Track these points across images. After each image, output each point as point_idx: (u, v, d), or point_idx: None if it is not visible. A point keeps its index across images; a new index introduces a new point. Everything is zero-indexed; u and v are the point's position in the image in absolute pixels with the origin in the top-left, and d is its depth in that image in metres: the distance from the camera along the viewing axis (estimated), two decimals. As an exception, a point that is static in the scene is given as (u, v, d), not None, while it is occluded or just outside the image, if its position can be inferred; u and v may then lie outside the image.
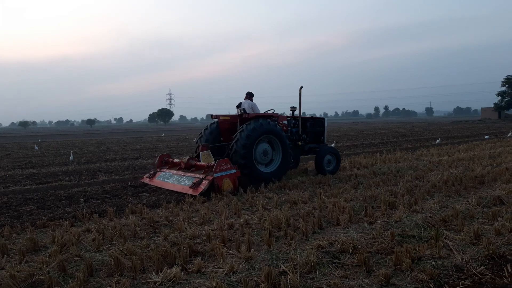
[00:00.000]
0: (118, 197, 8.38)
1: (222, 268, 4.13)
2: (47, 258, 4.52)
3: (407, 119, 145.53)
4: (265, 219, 5.80)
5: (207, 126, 10.49)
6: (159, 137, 37.48)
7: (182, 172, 9.03)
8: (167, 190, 8.78)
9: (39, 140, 37.12)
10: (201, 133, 10.37)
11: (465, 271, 3.92)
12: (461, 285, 3.63)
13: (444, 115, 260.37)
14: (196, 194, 7.82)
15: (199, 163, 9.02)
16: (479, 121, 72.37)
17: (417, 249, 4.48)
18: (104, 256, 4.62)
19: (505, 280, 3.69)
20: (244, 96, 10.80)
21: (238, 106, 10.36)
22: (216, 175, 8.09)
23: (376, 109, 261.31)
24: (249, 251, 4.50)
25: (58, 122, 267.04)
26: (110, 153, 20.25)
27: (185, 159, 9.24)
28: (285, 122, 10.69)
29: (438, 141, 21.59)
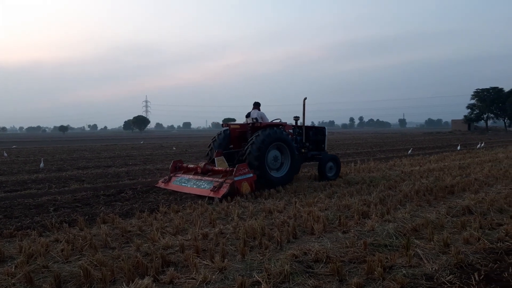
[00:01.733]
0: (89, 206, 8.17)
1: (195, 279, 4.07)
2: (13, 269, 4.36)
3: (381, 130, 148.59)
4: (240, 229, 5.77)
5: (218, 133, 11.06)
6: (134, 145, 36.90)
7: (199, 177, 9.64)
8: (143, 200, 8.64)
9: (14, 147, 35.89)
10: (213, 139, 10.93)
11: (435, 280, 4.00)
12: (431, 293, 3.70)
13: (416, 126, 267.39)
14: (219, 196, 8.39)
15: (215, 168, 9.70)
16: (450, 133, 74.62)
17: (388, 258, 4.56)
18: (73, 267, 4.49)
19: (472, 288, 3.79)
20: (252, 106, 11.29)
21: (248, 115, 11.03)
22: (236, 178, 8.73)
23: (351, 119, 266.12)
24: (223, 261, 4.47)
25: (29, 128, 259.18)
26: (82, 160, 19.79)
27: (202, 164, 9.93)
28: (291, 131, 11.22)
29: (410, 151, 22.11)
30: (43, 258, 4.70)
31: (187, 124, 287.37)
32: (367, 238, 5.34)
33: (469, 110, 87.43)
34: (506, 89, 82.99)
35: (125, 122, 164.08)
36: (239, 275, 4.10)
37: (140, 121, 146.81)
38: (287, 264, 4.25)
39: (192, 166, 10.48)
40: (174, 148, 29.93)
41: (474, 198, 7.81)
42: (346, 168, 13.81)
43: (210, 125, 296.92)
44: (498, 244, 5.07)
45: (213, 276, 4.12)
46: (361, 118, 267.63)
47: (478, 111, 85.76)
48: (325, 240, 5.39)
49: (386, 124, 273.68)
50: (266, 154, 9.75)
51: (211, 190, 8.69)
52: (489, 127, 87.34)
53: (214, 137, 11.00)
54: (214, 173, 9.71)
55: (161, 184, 10.25)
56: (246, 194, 8.71)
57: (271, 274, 4.10)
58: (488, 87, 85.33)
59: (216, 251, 4.86)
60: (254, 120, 10.59)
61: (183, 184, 9.73)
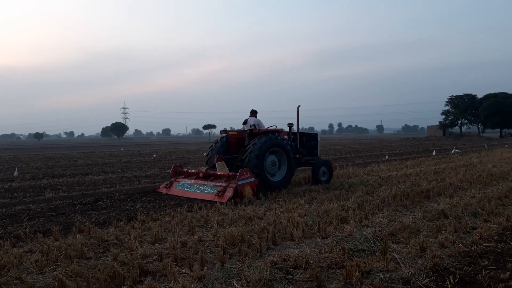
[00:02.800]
0: (65, 215, 7.97)
1: (173, 288, 4.02)
2: (-17, 282, 4.20)
3: (359, 136, 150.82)
4: (219, 236, 5.74)
5: (217, 140, 11.43)
6: (112, 152, 36.30)
7: (202, 181, 9.93)
8: (121, 208, 8.49)
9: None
10: (211, 146, 11.30)
11: (411, 284, 4.07)
12: (407, 297, 3.76)
13: (393, 132, 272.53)
14: (224, 201, 8.65)
15: (217, 173, 10.04)
16: (426, 138, 76.39)
17: (366, 262, 4.61)
18: (47, 278, 4.37)
19: (447, 291, 3.87)
20: (249, 113, 11.66)
21: (245, 122, 11.38)
22: (239, 182, 9.07)
23: (331, 125, 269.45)
24: (202, 270, 4.43)
25: (3, 136, 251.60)
26: (58, 168, 19.33)
27: (203, 169, 10.25)
28: (286, 137, 11.59)
29: (386, 157, 22.48)
30: (16, 270, 4.55)
31: (166, 131, 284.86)
32: (346, 243, 5.39)
33: (444, 116, 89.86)
34: (479, 96, 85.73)
35: (103, 129, 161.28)
36: (218, 283, 4.08)
37: (118, 128, 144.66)
38: (266, 271, 4.25)
39: (193, 171, 10.82)
40: (154, 155, 29.56)
41: (449, 202, 8.00)
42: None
43: (190, 132, 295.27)
44: (472, 248, 5.20)
45: (192, 285, 4.08)
46: (340, 124, 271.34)
47: (452, 117, 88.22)
48: (305, 246, 5.41)
49: (364, 130, 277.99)
50: (265, 160, 10.16)
51: (215, 195, 9.02)
52: (463, 132, 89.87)
53: (213, 143, 11.39)
54: (216, 177, 10.00)
55: (162, 190, 10.51)
56: (248, 197, 8.97)
57: (250, 282, 4.08)
58: (462, 94, 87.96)
59: (195, 259, 4.82)
60: (252, 127, 10.94)
61: (185, 189, 10.02)
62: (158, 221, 6.98)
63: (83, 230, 6.53)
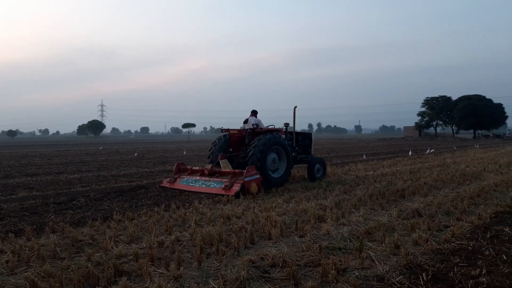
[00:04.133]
0: (38, 214, 7.77)
1: (149, 288, 3.97)
2: (-51, 285, 4.05)
3: (338, 136, 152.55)
4: (197, 236, 5.70)
5: (219, 138, 11.92)
6: (88, 150, 35.58)
7: (207, 178, 10.44)
8: (96, 208, 8.33)
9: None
10: (214, 143, 11.76)
11: (386, 281, 4.14)
12: (381, 294, 3.83)
13: (371, 132, 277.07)
14: (232, 194, 9.19)
15: (223, 170, 10.59)
16: (402, 139, 77.96)
17: (342, 260, 4.67)
18: (18, 279, 4.25)
19: (420, 288, 3.96)
20: (249, 113, 12.24)
21: (245, 122, 12.02)
22: (246, 179, 9.55)
23: (310, 125, 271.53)
24: (179, 269, 4.39)
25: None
26: (32, 167, 18.81)
27: (209, 166, 10.80)
28: (283, 136, 12.06)
29: (364, 157, 22.82)
30: (-16, 271, 4.41)
31: (145, 129, 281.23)
32: (323, 241, 5.45)
33: (419, 117, 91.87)
34: (454, 97, 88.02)
35: (79, 127, 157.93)
36: (194, 282, 4.05)
37: (95, 126, 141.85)
38: (244, 270, 4.25)
39: (197, 168, 11.32)
40: (135, 153, 29.03)
41: (423, 201, 8.18)
42: (304, 173, 14.03)
43: (169, 130, 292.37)
44: (445, 245, 5.33)
45: (168, 285, 4.04)
46: (319, 124, 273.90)
47: (428, 118, 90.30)
48: (282, 244, 5.43)
49: (343, 130, 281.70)
50: (266, 157, 10.62)
51: (222, 189, 9.52)
52: (438, 133, 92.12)
53: (215, 141, 11.85)
54: (221, 174, 10.53)
55: (166, 184, 10.89)
56: (254, 193, 9.49)
57: (227, 281, 4.07)
58: (437, 95, 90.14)
59: (171, 259, 4.77)
60: (254, 126, 11.55)
61: (190, 184, 10.50)
62: (134, 221, 6.89)
63: (56, 230, 6.38)
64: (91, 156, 26.81)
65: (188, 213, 7.41)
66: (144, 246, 5.35)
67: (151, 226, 6.36)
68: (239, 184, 9.51)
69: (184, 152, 30.38)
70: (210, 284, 4.05)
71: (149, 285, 4.03)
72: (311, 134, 13.79)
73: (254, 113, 12.24)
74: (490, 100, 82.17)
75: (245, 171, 9.73)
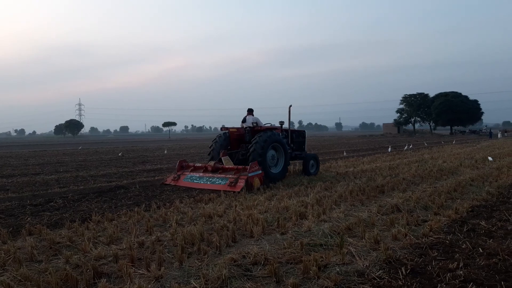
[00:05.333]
0: (14, 217, 7.55)
1: (129, 289, 3.92)
2: None
3: (319, 133, 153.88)
4: (178, 235, 5.65)
5: (219, 135, 12.43)
6: (66, 150, 34.83)
7: (211, 174, 10.82)
8: (74, 209, 8.17)
9: None
10: (214, 141, 12.22)
11: (366, 276, 4.20)
12: (362, 289, 3.88)
13: (351, 129, 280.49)
14: (238, 190, 9.54)
15: (226, 166, 11.02)
16: (382, 136, 79.14)
17: (323, 257, 4.70)
18: (-7, 284, 4.12)
19: (400, 282, 4.02)
20: (246, 112, 12.59)
21: (243, 121, 12.42)
22: (250, 174, 9.96)
23: (291, 123, 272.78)
24: (160, 270, 4.35)
25: None
26: (7, 168, 18.29)
27: (212, 163, 11.24)
28: (279, 134, 12.39)
29: (344, 153, 23.06)
30: (-43, 277, 4.26)
31: (124, 128, 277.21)
32: (304, 238, 5.48)
33: (398, 114, 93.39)
34: (431, 94, 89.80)
35: (56, 126, 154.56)
36: (176, 282, 4.02)
37: (72, 126, 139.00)
38: (225, 269, 4.24)
39: (199, 165, 11.75)
40: (120, 153, 28.38)
41: (402, 197, 8.33)
42: (295, 168, 14.12)
43: (150, 129, 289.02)
44: (423, 240, 5.43)
45: (149, 286, 3.99)
46: (300, 122, 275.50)
47: (406, 115, 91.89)
48: (264, 242, 5.44)
49: (324, 127, 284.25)
50: (266, 154, 11.09)
51: (228, 185, 9.86)
52: (417, 130, 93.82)
53: (215, 139, 12.30)
54: (224, 171, 10.92)
55: (170, 182, 11.20)
56: (257, 188, 9.87)
57: (208, 280, 4.05)
58: (415, 92, 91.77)
59: (152, 259, 4.72)
60: (254, 124, 12.00)
61: (194, 181, 10.80)
62: (114, 221, 6.77)
63: (33, 232, 6.22)
64: (69, 156, 26.26)
65: (169, 213, 7.34)
66: (124, 247, 5.27)
67: (131, 226, 6.27)
68: (243, 180, 9.87)
69: (165, 151, 30.10)
70: (192, 283, 4.02)
71: (129, 287, 3.98)
72: (304, 131, 14.30)
73: (250, 111, 12.56)
74: (466, 97, 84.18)
75: (248, 167, 10.15)
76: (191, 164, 11.92)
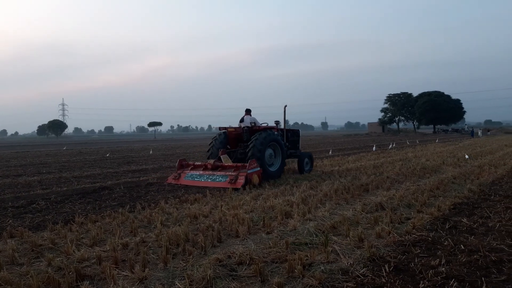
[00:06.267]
0: (-6, 220, 7.39)
1: (113, 291, 3.87)
2: None
3: (305, 133, 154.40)
4: (162, 236, 5.61)
5: (218, 134, 12.83)
6: (49, 151, 34.26)
7: (211, 172, 11.18)
8: (57, 211, 8.03)
9: None
10: (212, 141, 12.66)
11: (350, 274, 4.23)
12: (346, 287, 3.91)
13: (337, 129, 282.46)
14: (238, 187, 9.96)
15: (225, 164, 11.38)
16: (366, 135, 79.92)
17: (308, 255, 4.73)
18: (-29, 289, 4.03)
19: (383, 279, 4.07)
20: (244, 112, 13.02)
21: (241, 120, 12.82)
22: (249, 171, 10.36)
23: (277, 122, 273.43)
24: (144, 271, 4.30)
25: None
26: (-13, 170, 17.89)
27: (211, 161, 11.58)
28: (276, 133, 12.79)
29: (330, 153, 23.16)
30: None
31: (109, 129, 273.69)
32: (289, 237, 5.50)
33: (383, 113, 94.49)
34: (415, 94, 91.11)
35: (39, 127, 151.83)
36: (160, 284, 3.99)
37: (56, 126, 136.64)
38: (210, 269, 4.22)
39: (199, 163, 12.14)
40: (107, 154, 27.91)
41: (386, 195, 8.43)
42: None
43: (135, 129, 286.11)
44: (406, 237, 5.51)
45: (133, 287, 3.95)
46: (277, 122, 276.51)
47: (390, 114, 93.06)
48: (249, 242, 5.44)
49: (310, 127, 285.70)
50: (265, 152, 11.49)
51: (228, 182, 10.26)
52: (401, 129, 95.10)
53: (214, 138, 12.73)
54: (224, 168, 11.28)
55: (171, 181, 11.48)
56: (255, 184, 10.31)
57: (193, 281, 4.04)
58: (399, 92, 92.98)
59: (136, 261, 4.67)
60: (252, 124, 12.38)
61: (195, 179, 11.13)
62: (97, 223, 6.68)
63: (14, 234, 6.10)
64: (52, 157, 25.83)
65: (153, 214, 7.27)
66: (108, 248, 5.21)
67: (115, 228, 6.20)
68: (243, 177, 10.26)
69: (151, 152, 29.85)
70: (176, 284, 3.99)
71: (112, 289, 3.93)
72: (298, 130, 14.69)
73: (248, 112, 12.97)
74: (448, 96, 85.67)
75: (247, 164, 10.54)
76: (190, 163, 12.23)
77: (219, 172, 11.03)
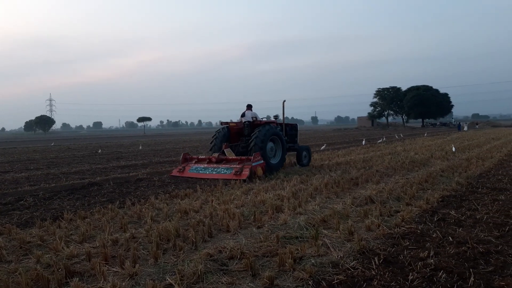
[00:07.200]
0: (-19, 217, 7.28)
1: (103, 288, 3.85)
2: None
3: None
4: (153, 232, 5.58)
5: (219, 130, 13.21)
6: (36, 147, 33.80)
7: (215, 165, 11.56)
8: (46, 207, 7.95)
9: None
10: (214, 135, 12.97)
11: (340, 266, 4.27)
12: (336, 280, 3.94)
13: (327, 123, 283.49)
14: (244, 178, 10.35)
15: (229, 157, 11.83)
16: (356, 129, 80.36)
17: (299, 249, 4.75)
18: (-42, 287, 3.97)
19: (373, 272, 4.11)
20: (245, 107, 13.30)
21: (243, 115, 13.16)
22: (253, 164, 10.78)
23: (268, 117, 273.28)
24: (134, 267, 4.28)
25: None
26: (-27, 167, 17.59)
27: (216, 155, 11.99)
28: (277, 127, 13.18)
29: (323, 147, 23.05)
30: None
31: (98, 124, 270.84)
32: (280, 231, 5.52)
33: (372, 107, 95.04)
34: (403, 88, 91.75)
35: (26, 123, 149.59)
36: (150, 279, 3.97)
37: (43, 122, 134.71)
38: (201, 264, 4.22)
39: (203, 157, 12.57)
40: (99, 150, 27.45)
41: (376, 188, 8.50)
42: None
43: (124, 125, 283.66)
44: (395, 230, 5.57)
45: (123, 283, 3.94)
46: (276, 116, 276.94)
47: (380, 108, 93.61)
48: (240, 236, 5.45)
49: (300, 121, 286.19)
50: (266, 145, 11.88)
51: (234, 174, 10.64)
52: (390, 123, 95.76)
53: (216, 132, 13.07)
54: (228, 161, 11.71)
55: (176, 173, 11.77)
56: (259, 176, 10.71)
57: (184, 276, 4.03)
58: (388, 86, 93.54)
59: (126, 256, 4.64)
60: (254, 119, 12.79)
61: (200, 171, 11.48)
62: (87, 219, 6.62)
63: (2, 232, 6.01)
64: (40, 154, 25.50)
65: (144, 209, 7.23)
66: (97, 245, 5.17)
67: (105, 224, 6.15)
68: (248, 169, 10.65)
69: (140, 147, 29.63)
70: (167, 280, 3.98)
71: (102, 285, 3.91)
72: (296, 125, 15.02)
73: (249, 107, 13.27)
74: (437, 90, 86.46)
75: (251, 157, 10.96)
76: (194, 156, 12.71)
77: (223, 165, 11.41)
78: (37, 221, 6.56)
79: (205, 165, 11.74)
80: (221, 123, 13.59)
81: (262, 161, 11.24)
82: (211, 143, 13.05)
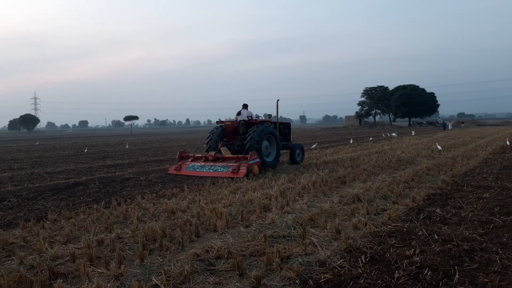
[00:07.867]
0: (-38, 218, 7.11)
1: (87, 289, 3.78)
2: None
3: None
4: (139, 232, 5.52)
5: (215, 128, 13.33)
6: (20, 147, 33.21)
7: (212, 163, 11.78)
8: (29, 208, 7.79)
9: None
10: (210, 134, 13.17)
11: (327, 265, 4.27)
12: (323, 278, 3.94)
13: (315, 122, 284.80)
14: (241, 176, 10.54)
15: (226, 156, 12.06)
16: (344, 128, 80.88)
17: (286, 248, 4.74)
18: None
19: (360, 270, 4.12)
20: (241, 106, 13.40)
21: (238, 114, 13.28)
22: (250, 162, 11.00)
23: (257, 116, 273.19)
24: (120, 268, 4.22)
25: None
26: (-45, 166, 17.20)
27: (212, 153, 12.28)
28: (271, 126, 13.32)
29: (313, 146, 22.93)
30: None
31: (83, 123, 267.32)
32: (268, 230, 5.50)
33: (359, 106, 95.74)
34: (391, 87, 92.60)
35: (10, 121, 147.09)
36: (136, 280, 3.92)
37: (28, 121, 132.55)
38: (188, 264, 4.18)
39: (199, 155, 12.88)
40: (85, 149, 27.03)
41: (363, 187, 8.55)
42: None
43: (110, 124, 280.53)
44: (382, 228, 5.60)
45: (108, 284, 3.88)
46: (265, 115, 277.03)
47: (367, 107, 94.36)
48: (228, 236, 5.42)
49: (288, 120, 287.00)
50: (262, 144, 12.08)
51: (231, 172, 10.83)
52: (377, 122, 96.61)
53: (212, 131, 13.26)
54: (225, 159, 11.94)
55: (173, 171, 12.01)
56: (256, 174, 10.84)
57: (170, 276, 3.98)
58: (375, 86, 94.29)
59: (112, 257, 4.58)
60: (249, 118, 13.04)
61: (197, 169, 11.68)
62: (71, 220, 6.51)
63: (-16, 233, 5.88)
64: (24, 153, 25.06)
65: (130, 209, 7.15)
66: (82, 245, 5.09)
67: (90, 224, 6.06)
68: (245, 167, 10.84)
69: (127, 146, 29.35)
70: (153, 280, 3.94)
71: (87, 286, 3.84)
72: (290, 123, 15.32)
73: (245, 106, 13.40)
74: (423, 90, 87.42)
75: (248, 155, 11.19)
76: (190, 154, 12.98)
77: (220, 163, 11.64)
78: (20, 221, 6.43)
79: (202, 163, 11.92)
80: (217, 122, 13.80)
81: (259, 160, 11.38)
82: (206, 143, 13.25)
